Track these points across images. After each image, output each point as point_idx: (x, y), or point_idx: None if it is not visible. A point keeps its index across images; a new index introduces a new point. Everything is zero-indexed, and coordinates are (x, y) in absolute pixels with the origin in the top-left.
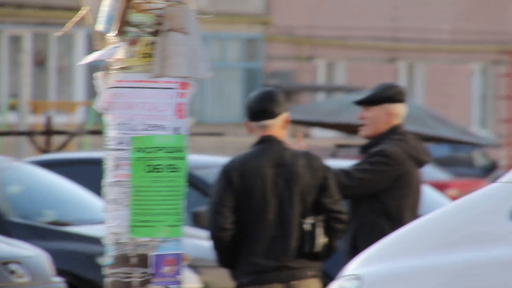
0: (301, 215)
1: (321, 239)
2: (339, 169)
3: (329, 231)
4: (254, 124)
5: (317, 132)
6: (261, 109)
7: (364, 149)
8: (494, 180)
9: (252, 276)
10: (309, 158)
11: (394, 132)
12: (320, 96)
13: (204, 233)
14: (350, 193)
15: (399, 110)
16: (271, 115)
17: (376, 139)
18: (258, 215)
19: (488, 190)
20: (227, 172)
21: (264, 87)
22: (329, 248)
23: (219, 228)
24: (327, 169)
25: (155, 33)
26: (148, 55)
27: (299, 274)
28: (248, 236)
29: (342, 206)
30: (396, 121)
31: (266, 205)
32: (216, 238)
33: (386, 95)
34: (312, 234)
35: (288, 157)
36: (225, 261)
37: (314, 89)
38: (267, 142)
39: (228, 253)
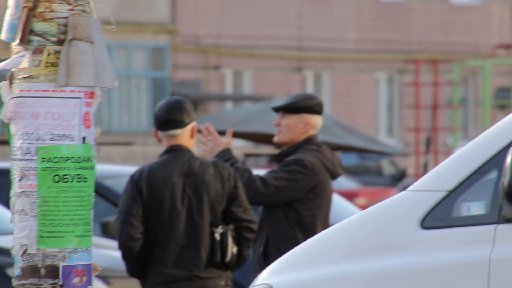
0: (211, 224)
1: (231, 248)
2: (256, 175)
3: (240, 240)
4: (162, 133)
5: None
6: (168, 118)
7: (278, 157)
8: (403, 188)
9: (162, 286)
10: (218, 167)
11: (309, 142)
12: (228, 105)
13: (114, 243)
14: (265, 201)
15: (317, 122)
16: (179, 124)
17: (292, 148)
18: (168, 224)
19: (397, 199)
20: (135, 181)
21: (171, 96)
22: (239, 257)
23: (129, 238)
24: (236, 178)
25: (59, 42)
26: (53, 65)
27: (210, 284)
28: (158, 246)
29: (252, 215)
30: (312, 132)
31: (176, 215)
32: (125, 248)
33: (306, 105)
34: (222, 244)
35: (197, 166)
36: (135, 271)
37: (222, 98)
38: (175, 151)
39: (138, 263)
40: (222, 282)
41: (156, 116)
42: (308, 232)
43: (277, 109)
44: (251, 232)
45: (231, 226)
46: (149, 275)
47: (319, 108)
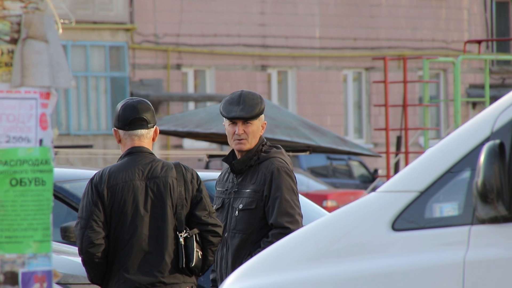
0: (175, 229)
1: (196, 253)
2: (277, 229)
3: (204, 245)
4: (125, 133)
5: (188, 142)
6: (136, 117)
7: (241, 165)
8: (373, 189)
9: None
10: (181, 169)
11: (264, 144)
12: (191, 106)
13: (74, 249)
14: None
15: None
16: (146, 125)
17: (251, 153)
18: (131, 229)
19: (367, 200)
20: (95, 185)
21: (131, 97)
22: (204, 262)
23: (90, 244)
24: (200, 181)
25: (13, 41)
26: (7, 64)
27: None
28: (121, 251)
29: (217, 218)
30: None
31: (139, 220)
32: (86, 254)
33: (262, 107)
34: (187, 248)
35: (159, 169)
36: (97, 277)
37: (184, 98)
38: (136, 153)
39: (100, 270)
40: None
41: (121, 115)
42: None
43: (239, 118)
44: (216, 236)
45: (195, 230)
46: (111, 281)
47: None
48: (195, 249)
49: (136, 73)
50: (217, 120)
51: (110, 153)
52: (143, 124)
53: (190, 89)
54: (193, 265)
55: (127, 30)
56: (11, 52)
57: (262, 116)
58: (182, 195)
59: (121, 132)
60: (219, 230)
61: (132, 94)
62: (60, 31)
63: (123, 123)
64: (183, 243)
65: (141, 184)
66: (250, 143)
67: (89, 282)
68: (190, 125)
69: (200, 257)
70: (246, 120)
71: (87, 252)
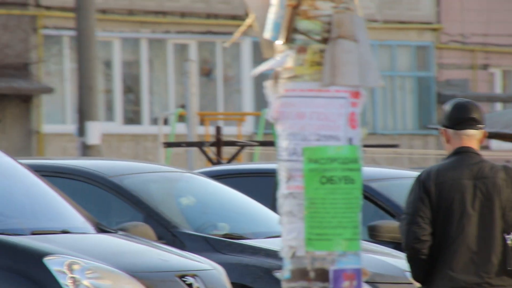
0: (502, 230)
1: None
2: None
3: None
4: (455, 132)
5: (496, 143)
6: (468, 117)
7: None
8: None
9: None
10: (509, 172)
11: None
12: (497, 106)
13: (381, 248)
14: None
15: None
16: (477, 125)
17: None
18: (459, 228)
19: None
20: (423, 182)
21: (459, 98)
22: None
23: (416, 240)
24: None
25: (323, 41)
26: (317, 64)
27: None
28: (446, 249)
29: None
30: None
31: (466, 218)
32: (412, 250)
33: None
34: None
35: (488, 169)
36: (420, 274)
37: (491, 99)
38: (464, 153)
39: (424, 266)
40: None
41: (451, 114)
42: None
43: None
44: None
45: None
46: (435, 279)
47: None
48: None
49: (443, 73)
50: None
51: (416, 153)
52: (473, 124)
53: (497, 90)
54: None
55: (434, 29)
56: (321, 51)
57: None
58: (510, 197)
59: (450, 131)
60: None
61: (438, 94)
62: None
63: (453, 122)
64: (511, 245)
65: (470, 183)
66: None
67: (396, 281)
68: (498, 126)
69: None
70: None
71: (412, 247)
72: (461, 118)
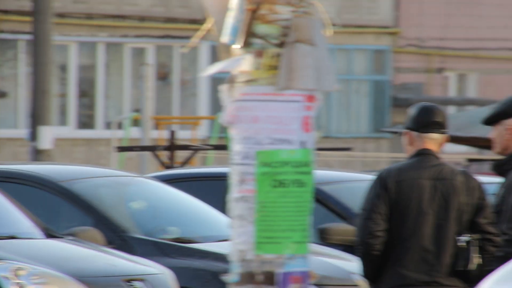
0: (456, 232)
1: (475, 258)
2: None
3: (482, 253)
4: (418, 135)
5: (448, 146)
6: (432, 121)
7: (495, 167)
8: None
9: None
10: (467, 176)
11: None
12: (451, 110)
13: (332, 251)
14: None
15: None
16: (440, 130)
17: (509, 157)
18: (414, 226)
19: None
20: (383, 179)
21: (426, 102)
22: (481, 271)
23: (370, 235)
24: (483, 190)
25: (281, 45)
26: (273, 67)
27: None
28: (400, 247)
29: (497, 229)
30: None
31: (422, 217)
32: (365, 245)
33: (501, 111)
34: (467, 252)
35: (447, 172)
36: (370, 271)
37: (445, 102)
38: (425, 155)
39: (375, 263)
40: None
41: (417, 117)
42: None
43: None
44: (494, 246)
45: (477, 236)
46: (385, 277)
47: None
48: (474, 254)
49: (399, 76)
50: (478, 124)
51: (369, 156)
52: (437, 128)
53: (451, 93)
54: (470, 269)
55: (392, 33)
56: (278, 55)
57: (505, 121)
58: (466, 200)
59: (414, 133)
60: (498, 240)
61: (393, 98)
62: (329, 34)
63: (418, 125)
64: (464, 246)
65: (429, 183)
66: (495, 148)
67: (343, 284)
68: (450, 128)
69: (478, 263)
70: (488, 124)
71: (366, 242)
72: (426, 121)
